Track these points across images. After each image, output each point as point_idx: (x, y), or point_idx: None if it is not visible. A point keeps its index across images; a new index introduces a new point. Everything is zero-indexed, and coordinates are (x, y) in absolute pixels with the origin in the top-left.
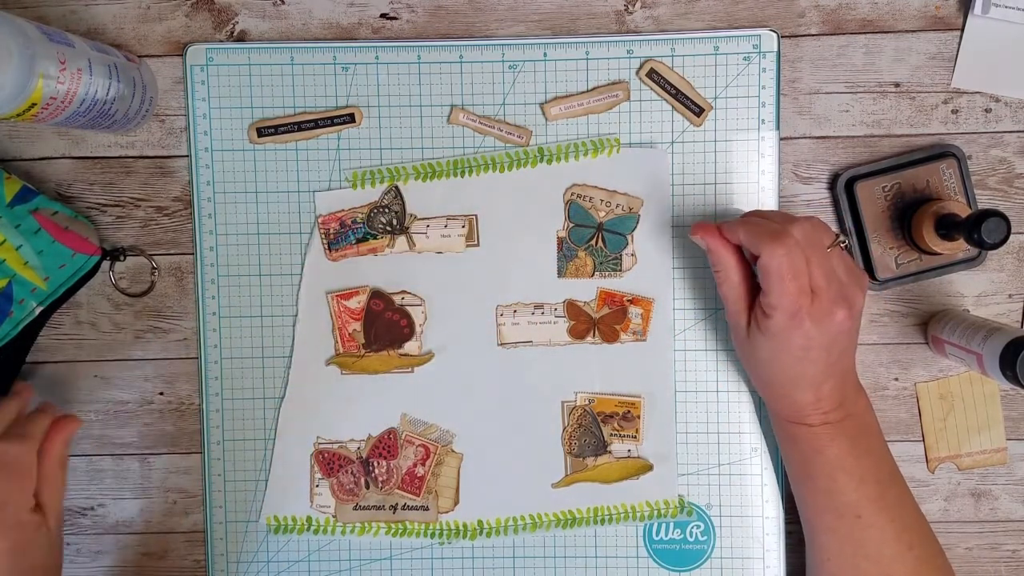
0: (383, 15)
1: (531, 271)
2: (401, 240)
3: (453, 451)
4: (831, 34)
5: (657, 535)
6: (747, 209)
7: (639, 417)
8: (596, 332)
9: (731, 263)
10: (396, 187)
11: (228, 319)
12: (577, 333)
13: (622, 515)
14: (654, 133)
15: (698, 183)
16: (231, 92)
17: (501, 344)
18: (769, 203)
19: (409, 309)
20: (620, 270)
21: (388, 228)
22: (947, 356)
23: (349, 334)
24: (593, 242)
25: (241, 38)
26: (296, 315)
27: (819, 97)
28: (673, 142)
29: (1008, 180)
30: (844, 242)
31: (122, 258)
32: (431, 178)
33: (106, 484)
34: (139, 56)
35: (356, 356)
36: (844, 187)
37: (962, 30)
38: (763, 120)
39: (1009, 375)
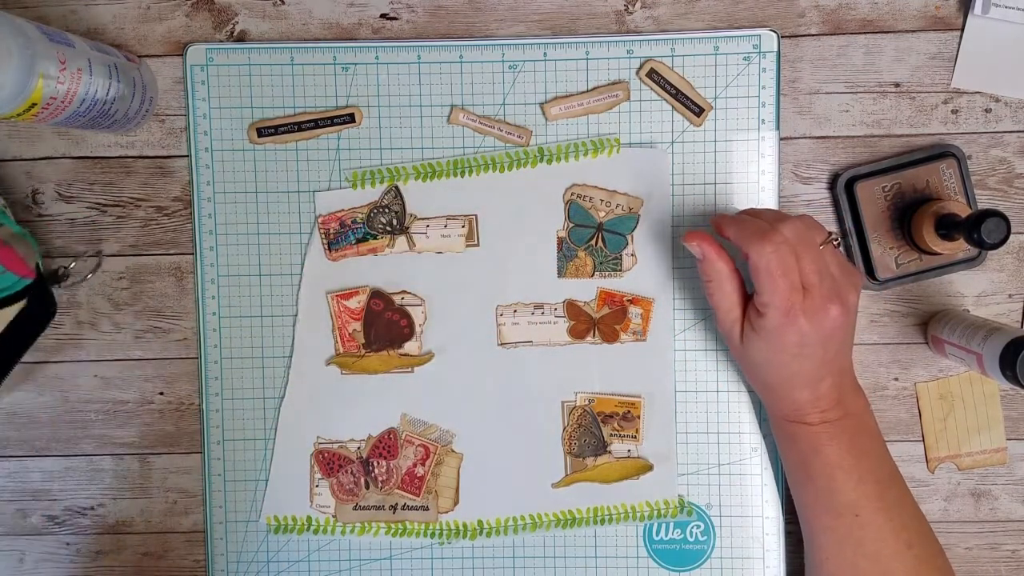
0: (383, 15)
1: (531, 271)
2: (401, 240)
3: (453, 451)
4: (831, 34)
5: (657, 535)
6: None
7: (639, 417)
8: (596, 332)
9: (724, 271)
10: (396, 187)
11: (228, 319)
12: (577, 333)
13: (622, 515)
14: (654, 133)
15: (698, 183)
16: (231, 92)
17: (501, 344)
18: (769, 203)
19: (409, 309)
20: (620, 270)
21: (388, 228)
22: (947, 356)
23: (349, 334)
24: (593, 242)
25: (241, 38)
26: (296, 315)
27: (819, 97)
28: (673, 142)
29: (1008, 180)
30: (836, 240)
31: (64, 277)
32: (431, 178)
33: (106, 484)
34: (139, 56)
35: (356, 356)
36: (844, 187)
37: (962, 30)
38: (763, 120)
39: (1009, 375)
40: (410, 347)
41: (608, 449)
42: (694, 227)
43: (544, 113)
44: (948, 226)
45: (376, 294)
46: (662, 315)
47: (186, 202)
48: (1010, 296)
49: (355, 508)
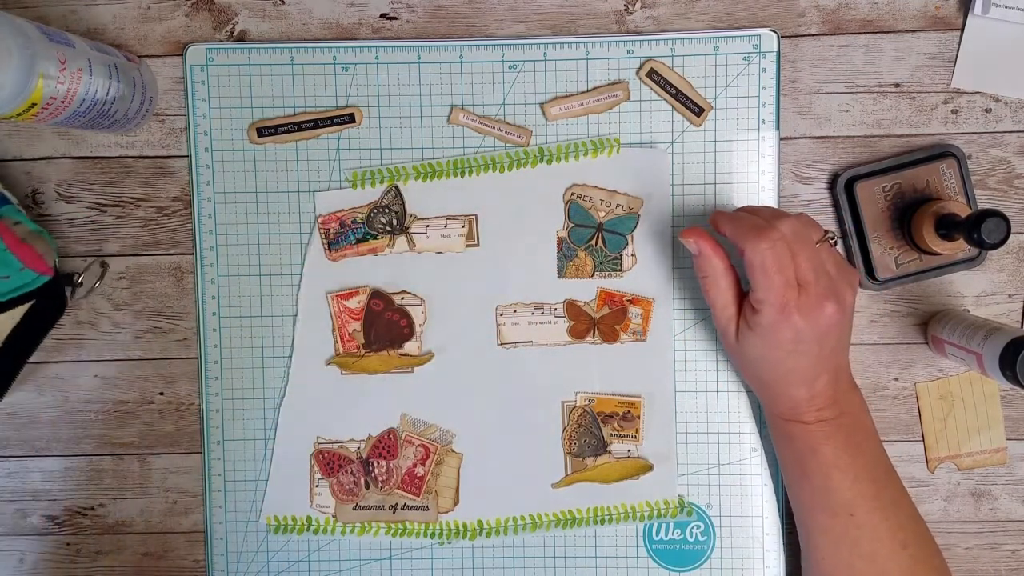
0: (383, 15)
1: (531, 271)
2: (401, 240)
3: (453, 451)
4: (831, 34)
5: (657, 535)
6: None
7: (639, 417)
8: (596, 332)
9: (720, 268)
10: (396, 187)
11: (228, 319)
12: (577, 333)
13: (622, 515)
14: (654, 133)
15: (698, 183)
16: (231, 92)
17: (501, 344)
18: (769, 203)
19: (409, 309)
20: (620, 270)
21: (388, 228)
22: (947, 356)
23: (349, 334)
24: (593, 242)
25: (241, 38)
26: (296, 315)
27: (819, 97)
28: (673, 142)
29: (1008, 180)
30: (833, 238)
31: (78, 283)
32: (431, 178)
33: (106, 484)
34: (139, 56)
35: (356, 356)
36: (844, 187)
37: (962, 30)
38: (763, 120)
39: (1009, 375)
40: (410, 347)
41: (608, 449)
42: (693, 225)
43: (544, 113)
44: (948, 226)
45: (376, 294)
46: (662, 315)
47: (186, 202)
48: (1010, 296)
49: (355, 508)
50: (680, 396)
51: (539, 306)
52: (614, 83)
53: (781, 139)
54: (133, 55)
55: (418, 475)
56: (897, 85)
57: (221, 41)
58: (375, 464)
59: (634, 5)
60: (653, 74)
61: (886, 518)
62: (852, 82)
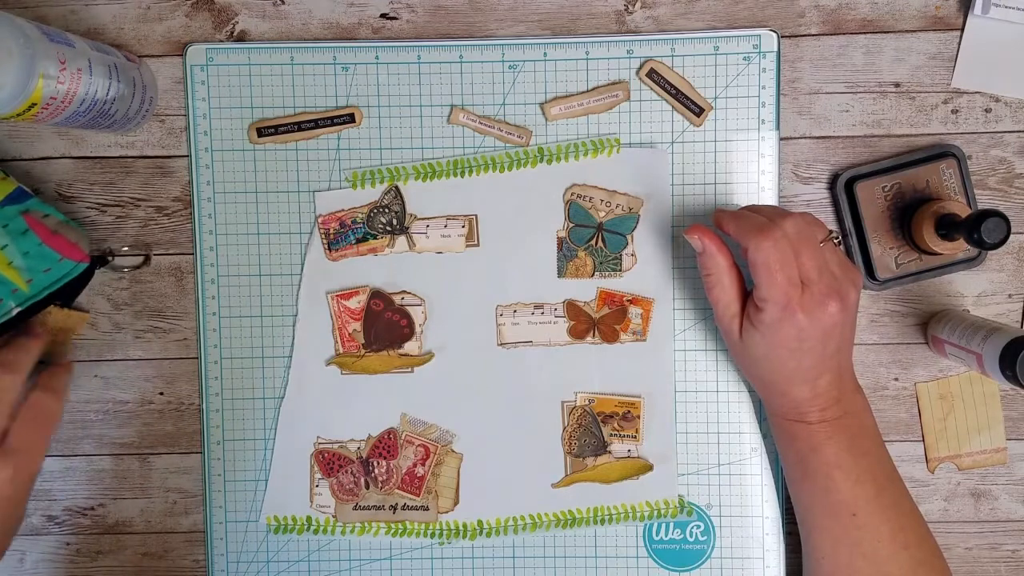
0: (383, 15)
1: (531, 271)
2: (401, 240)
3: (453, 451)
4: (831, 34)
5: (657, 535)
6: None
7: (639, 417)
8: (596, 332)
9: (724, 265)
10: (396, 187)
11: (228, 319)
12: (577, 333)
13: (622, 515)
14: (654, 133)
15: (698, 183)
16: (231, 92)
17: (501, 344)
18: (769, 203)
19: (409, 309)
20: (620, 270)
21: (388, 228)
22: (947, 356)
23: (349, 334)
24: (593, 242)
25: (241, 38)
26: (296, 315)
27: (819, 97)
28: (673, 142)
29: (1008, 180)
30: (837, 237)
31: (111, 258)
32: (431, 178)
33: (106, 484)
34: (139, 56)
35: (356, 356)
36: (844, 187)
37: (962, 30)
38: (763, 120)
39: (1009, 375)
40: (410, 347)
41: (608, 449)
42: (697, 223)
43: (544, 113)
44: (948, 226)
45: (376, 294)
46: (662, 315)
47: (186, 202)
48: (1010, 296)
49: (355, 508)
50: (680, 396)
51: (539, 306)
52: (614, 83)
53: (781, 139)
54: (133, 55)
55: (418, 475)
56: (897, 85)
57: (221, 41)
58: (375, 464)
59: (634, 5)
60: (653, 74)
61: (887, 519)
62: (852, 82)
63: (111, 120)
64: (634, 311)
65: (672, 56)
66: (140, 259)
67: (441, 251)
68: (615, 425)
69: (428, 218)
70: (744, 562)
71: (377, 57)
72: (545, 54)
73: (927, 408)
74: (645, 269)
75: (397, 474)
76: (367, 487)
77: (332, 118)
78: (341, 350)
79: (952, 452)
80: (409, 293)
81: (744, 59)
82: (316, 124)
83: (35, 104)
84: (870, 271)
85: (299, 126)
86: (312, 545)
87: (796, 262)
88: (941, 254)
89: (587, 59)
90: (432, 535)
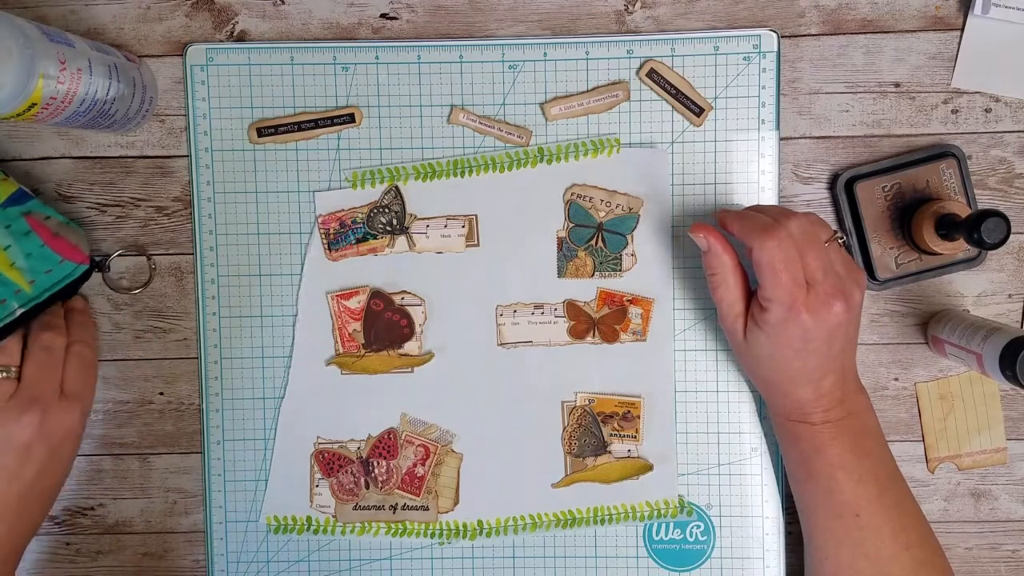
0: (383, 15)
1: (531, 271)
2: (401, 240)
3: (453, 451)
4: (831, 34)
5: (657, 535)
6: None
7: (639, 417)
8: (596, 332)
9: (729, 264)
10: (396, 187)
11: (228, 319)
12: (577, 333)
13: (622, 515)
14: (654, 133)
15: (698, 183)
16: (231, 92)
17: (501, 344)
18: (769, 203)
19: (409, 309)
20: (620, 270)
21: (388, 228)
22: (947, 356)
23: (349, 334)
24: (593, 242)
25: (241, 38)
26: (296, 315)
27: (819, 97)
28: (673, 142)
29: (1008, 180)
30: (842, 238)
31: (107, 269)
32: (431, 178)
33: (106, 484)
34: (139, 56)
35: (356, 356)
36: (844, 187)
37: (962, 30)
38: (763, 120)
39: (1009, 375)
40: (410, 347)
41: (608, 449)
42: (703, 221)
43: (544, 113)
44: (948, 226)
45: (376, 294)
46: (662, 315)
47: (186, 202)
48: (1010, 296)
49: (355, 508)
50: (680, 396)
51: (539, 306)
52: (614, 83)
53: (781, 139)
54: (133, 55)
55: (418, 475)
56: (897, 85)
57: (221, 41)
58: (375, 464)
59: (634, 5)
60: (653, 74)
61: (890, 519)
62: (852, 82)
63: (111, 120)
64: (634, 311)
65: (672, 56)
66: (143, 280)
67: (441, 251)
68: (615, 425)
69: (428, 218)
70: (744, 562)
71: (377, 57)
72: (545, 54)
73: (927, 408)
74: (645, 269)
75: (397, 474)
76: (367, 487)
77: (332, 118)
78: (341, 350)
79: (952, 452)
80: (409, 293)
81: (744, 59)
82: (316, 124)
83: (35, 104)
84: (870, 271)
85: (299, 126)
86: (312, 545)
87: (801, 262)
88: (941, 254)
89: (587, 59)
90: (432, 535)
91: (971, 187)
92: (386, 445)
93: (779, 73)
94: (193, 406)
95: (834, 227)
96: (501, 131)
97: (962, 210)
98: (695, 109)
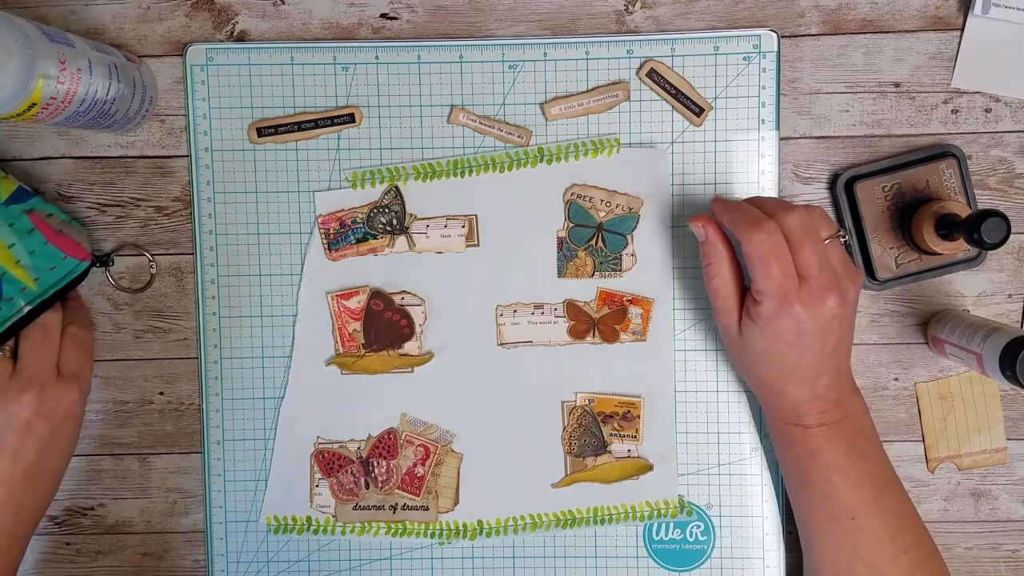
0: (383, 15)
1: (531, 271)
2: (401, 240)
3: (453, 451)
4: (831, 34)
5: (657, 535)
6: None
7: (639, 417)
8: (596, 332)
9: (724, 255)
10: (396, 187)
11: (228, 319)
12: (577, 333)
13: (622, 515)
14: (654, 133)
15: (698, 183)
16: (231, 92)
17: (501, 344)
18: None
19: (409, 309)
20: (620, 270)
21: (388, 228)
22: (947, 356)
23: (349, 334)
24: (593, 242)
25: (241, 38)
26: (296, 315)
27: (819, 97)
28: (673, 142)
29: (1008, 180)
30: (843, 236)
31: (111, 263)
32: (431, 178)
33: (106, 484)
34: (139, 56)
35: (356, 356)
36: (844, 187)
37: (962, 30)
38: (763, 120)
39: (1009, 375)
40: (410, 347)
41: (608, 449)
42: (703, 213)
43: (544, 113)
44: (948, 226)
45: (376, 294)
46: (662, 315)
47: (186, 202)
48: (1010, 296)
49: (355, 508)
50: (680, 396)
51: (539, 306)
52: (614, 83)
53: (781, 139)
54: (133, 55)
55: (418, 475)
56: (897, 85)
57: (221, 41)
58: (375, 464)
59: (634, 5)
60: (653, 74)
61: (887, 523)
62: (852, 82)
63: (111, 120)
64: (634, 311)
65: (672, 56)
66: (144, 279)
67: (441, 251)
68: (615, 425)
69: (428, 218)
70: (744, 562)
71: (377, 57)
72: (545, 54)
73: (927, 408)
74: (645, 269)
75: (397, 474)
76: (367, 487)
77: (332, 118)
78: (341, 350)
79: (952, 452)
80: (409, 293)
81: (744, 59)
82: (316, 124)
83: (35, 104)
84: (870, 271)
85: (299, 126)
86: (312, 545)
87: (797, 255)
88: (941, 254)
89: (587, 59)
90: (432, 535)
91: (971, 187)
92: (386, 445)
93: (779, 73)
94: (193, 406)
95: (841, 227)
96: (501, 131)
97: (962, 210)
98: (695, 109)
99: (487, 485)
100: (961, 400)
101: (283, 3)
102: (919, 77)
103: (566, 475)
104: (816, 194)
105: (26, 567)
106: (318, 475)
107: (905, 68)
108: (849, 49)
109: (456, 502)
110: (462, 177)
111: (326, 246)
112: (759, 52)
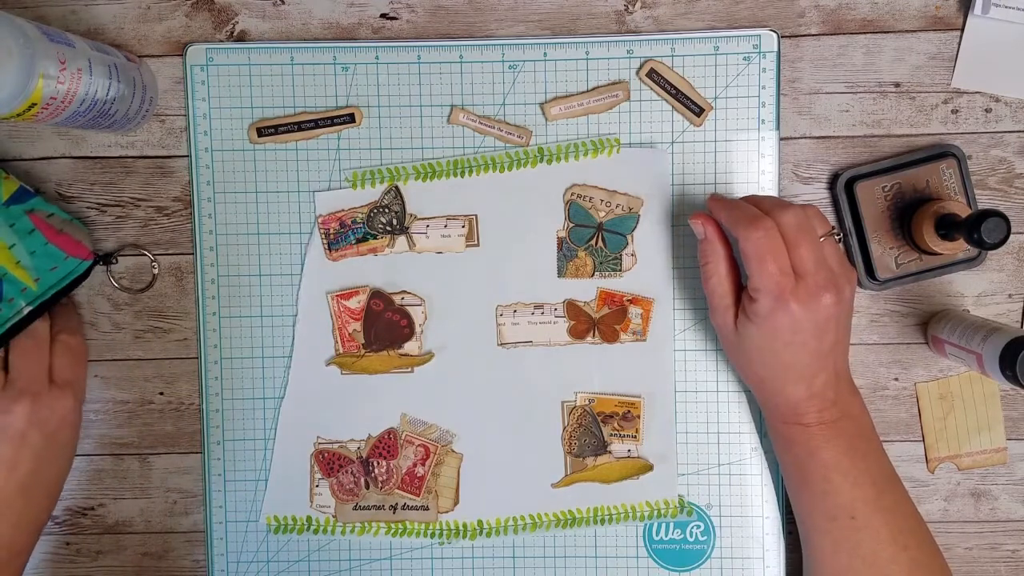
0: (383, 15)
1: (531, 271)
2: (401, 240)
3: (453, 451)
4: (831, 34)
5: (657, 535)
6: None
7: (639, 417)
8: (596, 332)
9: (722, 253)
10: (396, 187)
11: (228, 319)
12: (577, 333)
13: (622, 515)
14: (654, 133)
15: (698, 183)
16: (231, 92)
17: (501, 344)
18: None
19: (409, 309)
20: (620, 270)
21: (388, 228)
22: (947, 356)
23: (349, 334)
24: (593, 242)
25: (241, 38)
26: (296, 315)
27: (819, 97)
28: (673, 142)
29: (1008, 180)
30: (838, 234)
31: (114, 261)
32: (431, 178)
33: (106, 484)
34: (139, 56)
35: (356, 356)
36: (844, 187)
37: (962, 30)
38: (763, 120)
39: (1009, 375)
40: (410, 347)
41: (608, 449)
42: (703, 211)
43: (544, 113)
44: (948, 226)
45: (376, 294)
46: (662, 315)
47: (186, 202)
48: (1010, 296)
49: (355, 508)
50: (680, 396)
51: (539, 306)
52: (614, 83)
53: (781, 139)
54: (133, 55)
55: (418, 475)
56: (897, 85)
57: (221, 41)
58: (375, 464)
59: (634, 5)
60: (653, 74)
61: (887, 521)
62: (852, 82)
63: (111, 120)
64: (634, 311)
65: (672, 56)
66: (144, 279)
67: (441, 251)
68: (615, 425)
69: (428, 218)
70: (744, 562)
71: (377, 57)
72: (545, 54)
73: (927, 408)
74: (645, 269)
75: (397, 474)
76: (367, 487)
77: (332, 118)
78: (341, 350)
79: (952, 452)
80: (409, 293)
81: (744, 59)
82: (316, 124)
83: (35, 104)
84: (870, 271)
85: (299, 126)
86: (312, 545)
87: (794, 253)
88: (941, 254)
89: (587, 59)
90: (432, 535)
91: (971, 187)
92: (386, 445)
93: (779, 73)
94: (193, 406)
95: (835, 225)
96: (501, 131)
97: (962, 210)
98: (695, 109)
99: (487, 485)
100: (961, 400)
101: (283, 3)
102: (919, 77)
103: (566, 475)
104: (816, 194)
105: (26, 567)
106: (318, 475)
107: (905, 68)
108: (849, 49)
109: (456, 502)
110: (462, 177)
111: (326, 246)
112: (759, 52)
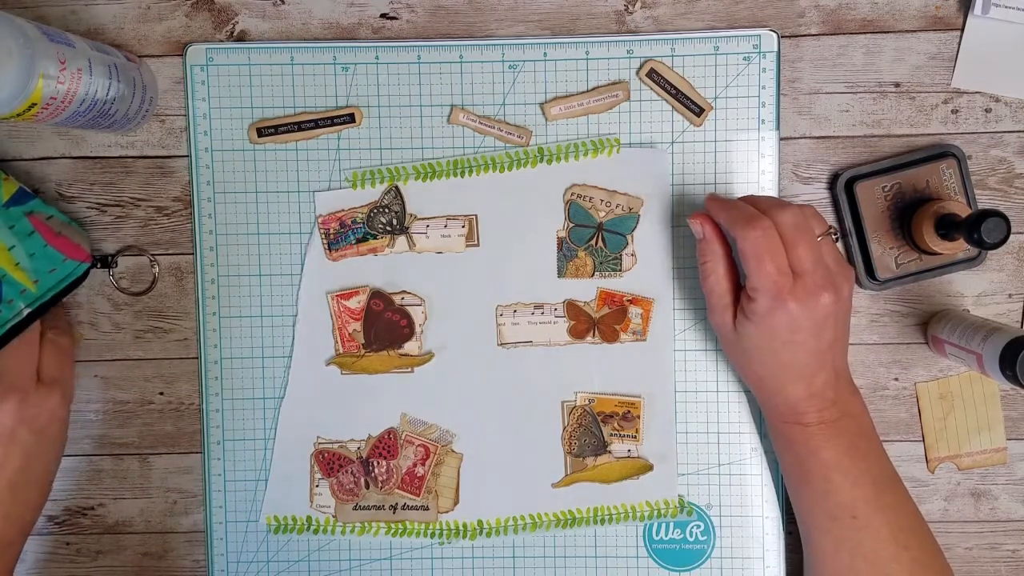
0: (383, 15)
1: (531, 271)
2: (401, 240)
3: (453, 451)
4: (831, 34)
5: (657, 535)
6: None
7: (639, 417)
8: (596, 332)
9: (720, 253)
10: (396, 187)
11: (228, 319)
12: (577, 333)
13: (622, 515)
14: (654, 133)
15: (698, 183)
16: (231, 92)
17: (501, 344)
18: None
19: (409, 309)
20: (620, 270)
21: (388, 228)
22: (947, 356)
23: (349, 334)
24: (593, 242)
25: (241, 38)
26: (296, 315)
27: (819, 97)
28: (673, 142)
29: (1008, 180)
30: (835, 233)
31: (114, 264)
32: (431, 178)
33: (106, 484)
34: (139, 56)
35: (356, 356)
36: (844, 187)
37: (962, 30)
38: (763, 120)
39: (1009, 375)
40: (410, 347)
41: (608, 449)
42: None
43: (544, 113)
44: (948, 226)
45: (376, 294)
46: (662, 315)
47: (186, 202)
48: (1010, 296)
49: (355, 508)
50: (680, 396)
51: (539, 306)
52: (614, 83)
53: (781, 139)
54: (133, 55)
55: (418, 475)
56: (897, 85)
57: (221, 41)
58: (375, 464)
59: (634, 5)
60: (653, 74)
61: (887, 520)
62: (852, 82)
63: (111, 120)
64: (634, 311)
65: (672, 56)
66: (144, 279)
67: (441, 251)
68: (615, 425)
69: (428, 218)
70: (744, 562)
71: (377, 57)
72: (545, 54)
73: (927, 408)
74: (645, 269)
75: (397, 474)
76: (367, 487)
77: (332, 118)
78: (341, 350)
79: (952, 452)
80: (409, 293)
81: (744, 59)
82: (316, 124)
83: (35, 104)
84: (870, 271)
85: (299, 126)
86: (312, 545)
87: (792, 252)
88: (941, 254)
89: (587, 59)
90: (432, 535)
91: (971, 187)
92: (386, 445)
93: (779, 73)
94: (193, 406)
95: (832, 226)
96: (501, 131)
97: (962, 210)
98: (695, 109)
99: (487, 485)
100: (961, 400)
101: (283, 3)
102: (919, 77)
103: (566, 475)
104: (816, 194)
105: (26, 567)
106: (318, 475)
107: (905, 68)
108: (849, 49)
109: (456, 502)
110: (462, 177)
111: (326, 246)
112: (759, 52)
